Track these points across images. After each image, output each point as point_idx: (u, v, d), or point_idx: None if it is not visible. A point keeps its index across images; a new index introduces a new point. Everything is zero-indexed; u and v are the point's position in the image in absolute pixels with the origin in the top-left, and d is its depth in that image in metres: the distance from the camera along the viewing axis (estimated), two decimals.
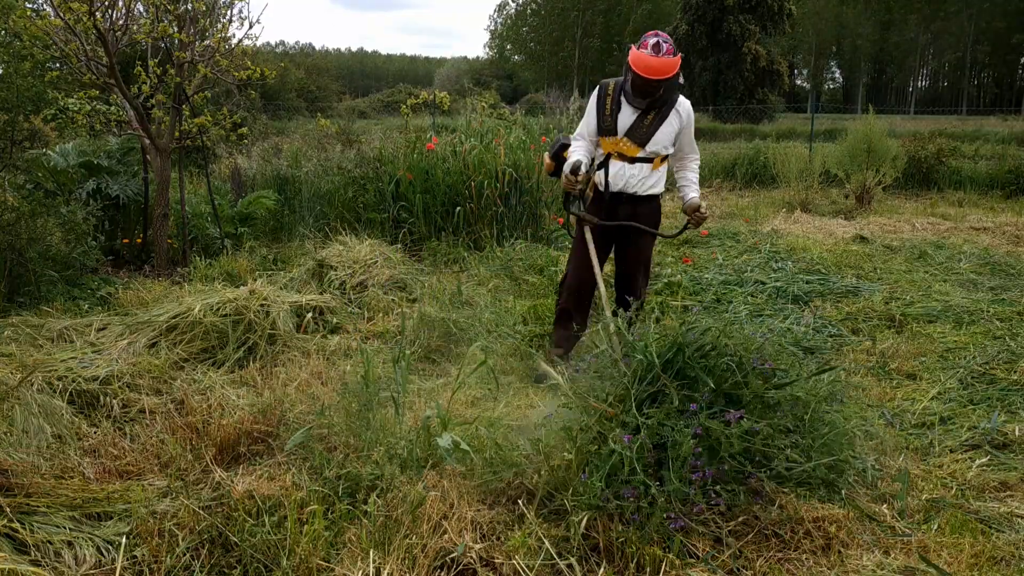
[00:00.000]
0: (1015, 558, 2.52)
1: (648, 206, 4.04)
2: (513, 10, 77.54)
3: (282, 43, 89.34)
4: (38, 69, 5.24)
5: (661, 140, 3.89)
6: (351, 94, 49.91)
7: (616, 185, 3.94)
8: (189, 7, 6.19)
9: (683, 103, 3.93)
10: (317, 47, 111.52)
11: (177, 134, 6.36)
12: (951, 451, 3.33)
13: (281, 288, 5.20)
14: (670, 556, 2.47)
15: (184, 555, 2.42)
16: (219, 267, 5.96)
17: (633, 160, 3.91)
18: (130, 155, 7.24)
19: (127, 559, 2.38)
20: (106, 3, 5.63)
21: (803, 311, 5.33)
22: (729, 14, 39.51)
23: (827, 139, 15.81)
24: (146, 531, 2.49)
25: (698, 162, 4.11)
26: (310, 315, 4.81)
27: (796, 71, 64.69)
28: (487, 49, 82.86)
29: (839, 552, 2.59)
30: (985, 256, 7.00)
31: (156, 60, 6.33)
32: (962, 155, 14.01)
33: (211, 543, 2.47)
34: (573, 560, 2.45)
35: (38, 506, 2.50)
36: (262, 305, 4.47)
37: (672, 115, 3.89)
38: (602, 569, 2.42)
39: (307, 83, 33.60)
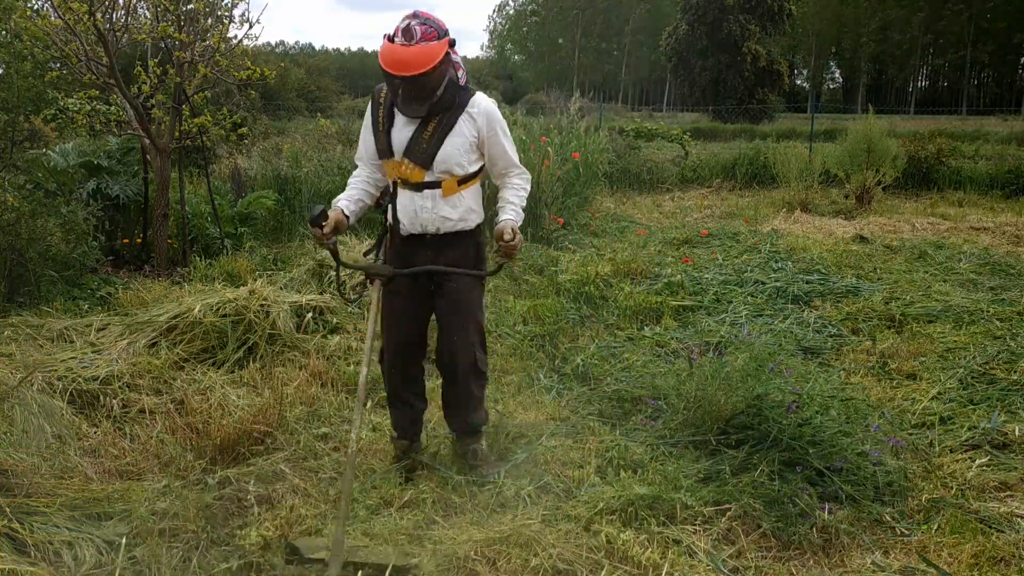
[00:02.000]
0: (1015, 558, 2.52)
1: (458, 248, 2.95)
2: (513, 10, 77.58)
3: (282, 43, 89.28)
4: (38, 69, 5.24)
5: (451, 156, 2.83)
6: (351, 94, 49.87)
7: (411, 225, 2.89)
8: (190, 6, 6.19)
9: (478, 103, 2.87)
10: (318, 47, 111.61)
11: (177, 134, 6.35)
12: (951, 451, 3.33)
13: (281, 288, 5.20)
14: (671, 556, 2.48)
15: (184, 554, 2.42)
16: (219, 267, 5.96)
17: (420, 187, 2.86)
18: (130, 155, 7.23)
19: (127, 559, 2.39)
20: (106, 3, 5.63)
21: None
22: (729, 14, 39.50)
23: (827, 139, 15.80)
24: (146, 531, 2.49)
25: (525, 178, 3.04)
26: (310, 315, 4.81)
27: (796, 71, 64.73)
28: (486, 49, 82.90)
29: (839, 552, 2.59)
30: (985, 256, 6.99)
31: (156, 60, 6.33)
32: (962, 155, 13.99)
33: (211, 543, 2.47)
34: (575, 560, 2.45)
35: (38, 506, 2.50)
36: (262, 305, 4.47)
37: (463, 121, 2.84)
38: (604, 570, 2.42)
39: (307, 83, 33.58)
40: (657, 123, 17.03)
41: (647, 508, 2.72)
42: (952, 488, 2.99)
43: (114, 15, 5.81)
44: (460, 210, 2.91)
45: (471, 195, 2.96)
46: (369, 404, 3.80)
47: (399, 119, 2.86)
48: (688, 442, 3.23)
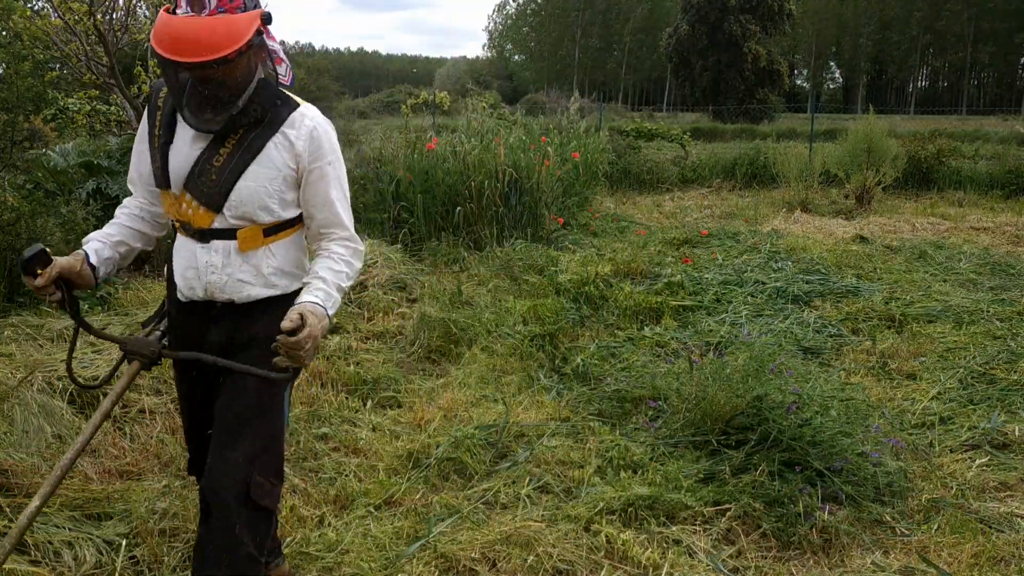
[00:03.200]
0: (1015, 558, 2.52)
1: (265, 321, 1.98)
2: (512, 10, 77.65)
3: (282, 43, 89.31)
4: (38, 69, 5.24)
5: (253, 195, 1.92)
6: (351, 94, 49.95)
7: (189, 288, 1.99)
8: None
9: (302, 120, 1.96)
10: (318, 47, 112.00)
11: None
12: (951, 451, 3.33)
13: None
14: (671, 556, 2.48)
15: (184, 554, 2.42)
16: None
17: (207, 236, 1.95)
18: (130, 155, 7.24)
19: (127, 559, 2.39)
20: (106, 3, 5.64)
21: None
22: (729, 14, 39.54)
23: (827, 139, 15.81)
24: (146, 531, 2.49)
25: (351, 250, 2.02)
26: None
27: (796, 71, 64.75)
28: (486, 49, 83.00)
29: (839, 552, 2.59)
30: (985, 256, 7.00)
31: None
32: (962, 155, 14.00)
33: None
34: (576, 560, 2.45)
35: None
36: None
37: (275, 144, 1.93)
38: (604, 570, 2.42)
39: (307, 83, 33.63)
40: (657, 123, 17.04)
41: (647, 508, 2.72)
42: (952, 488, 2.99)
43: (114, 15, 5.81)
44: (267, 271, 1.98)
45: (286, 250, 2.01)
46: (370, 404, 3.80)
47: (183, 132, 1.93)
48: (688, 442, 3.23)
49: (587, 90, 58.43)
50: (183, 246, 1.99)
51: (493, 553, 2.46)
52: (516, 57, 77.68)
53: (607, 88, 68.10)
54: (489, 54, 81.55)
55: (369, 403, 3.80)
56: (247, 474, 1.89)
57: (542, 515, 2.71)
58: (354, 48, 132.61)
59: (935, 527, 2.71)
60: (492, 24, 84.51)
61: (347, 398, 3.84)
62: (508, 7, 79.07)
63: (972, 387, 4.00)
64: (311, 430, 3.43)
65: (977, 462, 3.19)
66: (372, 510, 2.76)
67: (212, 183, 1.90)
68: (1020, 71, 60.39)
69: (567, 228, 8.21)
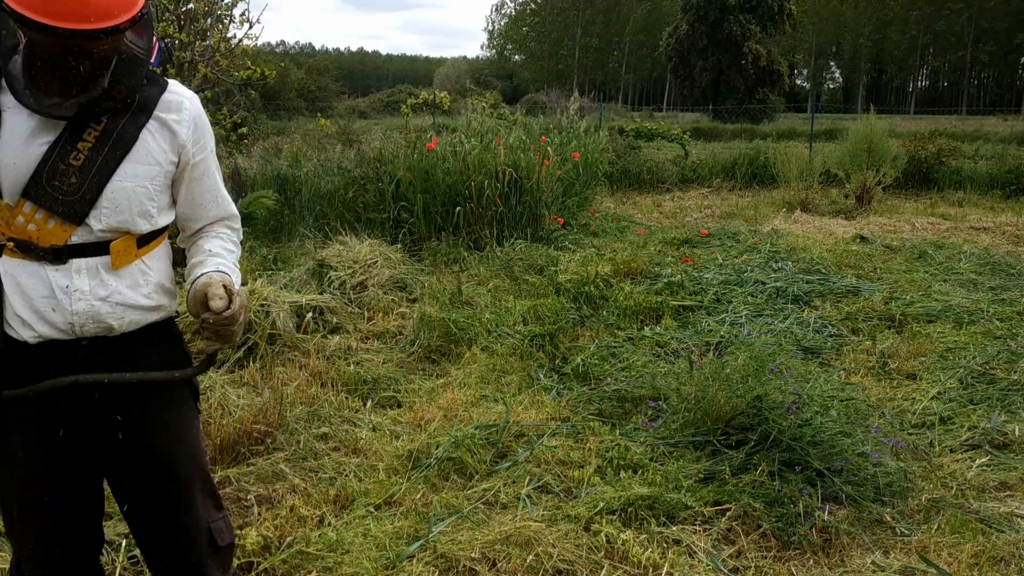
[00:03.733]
0: (1015, 558, 2.52)
1: (149, 354, 1.67)
2: (512, 10, 77.69)
3: (282, 43, 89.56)
4: None
5: (131, 198, 1.58)
6: (351, 94, 49.94)
7: (46, 324, 1.55)
8: (190, 6, 6.20)
9: (180, 99, 1.65)
10: (318, 47, 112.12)
11: None
12: (951, 451, 3.33)
13: (281, 288, 5.20)
14: (671, 556, 2.48)
15: None
16: None
17: (62, 255, 1.54)
18: None
19: (127, 559, 2.39)
20: None
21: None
22: (729, 14, 39.53)
23: (827, 139, 15.80)
24: None
25: (235, 229, 1.84)
26: (310, 315, 4.81)
27: (796, 71, 64.75)
28: (486, 49, 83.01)
29: (839, 552, 2.59)
30: (985, 256, 7.00)
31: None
32: (962, 155, 14.00)
33: None
34: (576, 560, 2.45)
35: None
36: (262, 305, 4.47)
37: (150, 131, 1.60)
38: (604, 570, 2.42)
39: (307, 83, 33.64)
40: (657, 123, 17.04)
41: (647, 508, 2.72)
42: (952, 488, 2.99)
43: None
44: (147, 289, 1.65)
45: (162, 262, 1.72)
46: (370, 404, 3.80)
47: (14, 124, 1.49)
48: (688, 442, 3.23)
49: (587, 90, 58.39)
50: (22, 271, 1.52)
51: (493, 553, 2.46)
52: (516, 57, 77.69)
53: (607, 88, 68.08)
54: (489, 54, 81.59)
55: (369, 403, 3.80)
56: (207, 522, 1.73)
57: (542, 515, 2.71)
58: (354, 48, 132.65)
59: (935, 527, 2.71)
60: (492, 24, 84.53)
61: (347, 398, 3.85)
62: (507, 7, 79.19)
63: (972, 387, 4.00)
64: (311, 430, 3.43)
65: (977, 462, 3.19)
66: (372, 510, 2.76)
67: (72, 187, 1.49)
68: (1020, 71, 60.39)
69: (567, 228, 8.21)
